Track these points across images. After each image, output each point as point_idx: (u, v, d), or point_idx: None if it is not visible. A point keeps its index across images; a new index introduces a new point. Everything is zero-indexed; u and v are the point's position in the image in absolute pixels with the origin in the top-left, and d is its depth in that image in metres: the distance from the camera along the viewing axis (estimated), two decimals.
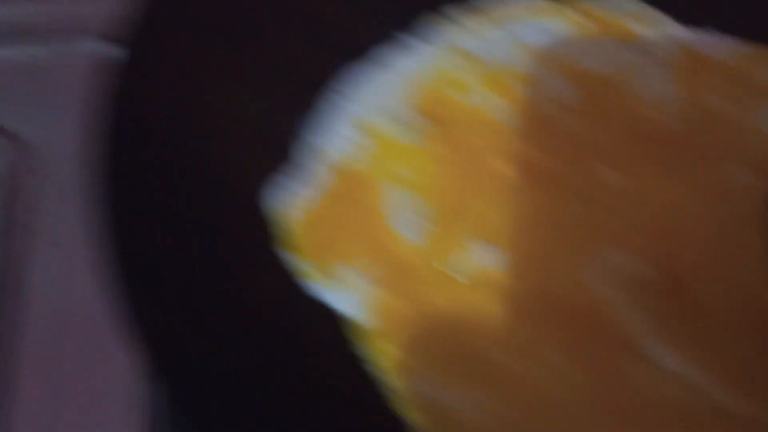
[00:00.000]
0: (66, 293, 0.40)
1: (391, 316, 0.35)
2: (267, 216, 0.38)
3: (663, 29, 0.44)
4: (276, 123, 0.40)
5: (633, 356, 0.33)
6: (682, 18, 0.45)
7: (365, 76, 0.43)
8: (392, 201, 0.37)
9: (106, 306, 0.31)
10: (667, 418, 0.32)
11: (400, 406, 0.33)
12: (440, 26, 0.45)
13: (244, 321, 0.34)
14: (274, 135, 0.40)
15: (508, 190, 0.38)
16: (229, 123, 0.39)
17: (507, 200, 0.38)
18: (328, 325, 0.35)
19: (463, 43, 0.44)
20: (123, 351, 0.37)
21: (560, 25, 0.44)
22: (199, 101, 0.38)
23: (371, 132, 0.40)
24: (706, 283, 0.35)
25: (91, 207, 0.33)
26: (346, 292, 0.35)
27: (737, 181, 0.38)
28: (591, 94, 0.42)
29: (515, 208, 0.38)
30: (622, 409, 0.32)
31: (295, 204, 0.37)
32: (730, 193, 0.37)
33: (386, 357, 0.34)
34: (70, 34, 0.48)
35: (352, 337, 0.35)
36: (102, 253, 0.32)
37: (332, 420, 0.33)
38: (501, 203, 0.38)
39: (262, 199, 0.38)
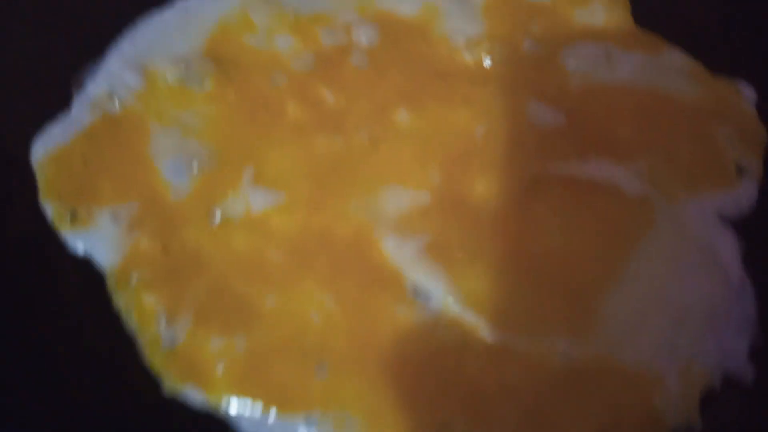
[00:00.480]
0: None
1: (147, 260, 0.32)
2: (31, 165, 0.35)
3: None
4: (53, 65, 0.38)
5: (395, 292, 0.31)
6: None
7: (157, 20, 0.40)
8: (163, 144, 0.35)
9: None
10: (418, 350, 0.30)
11: (153, 360, 0.30)
12: None
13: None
14: (49, 77, 0.37)
15: (295, 132, 0.36)
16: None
17: (292, 143, 0.35)
18: (83, 276, 0.32)
19: None
20: None
21: None
22: None
23: (149, 75, 0.37)
24: (486, 202, 0.33)
25: None
26: (101, 236, 0.32)
27: (532, 113, 0.36)
28: (395, 38, 0.40)
29: (300, 150, 0.35)
30: (374, 342, 0.30)
31: (54, 147, 0.34)
32: (522, 122, 0.36)
33: (140, 305, 0.31)
34: None
35: (107, 286, 0.32)
36: None
37: (84, 377, 0.30)
38: (286, 146, 0.35)
39: (28, 147, 0.35)
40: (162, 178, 0.33)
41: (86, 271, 0.32)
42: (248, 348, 0.29)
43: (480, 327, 0.30)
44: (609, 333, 0.30)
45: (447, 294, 0.31)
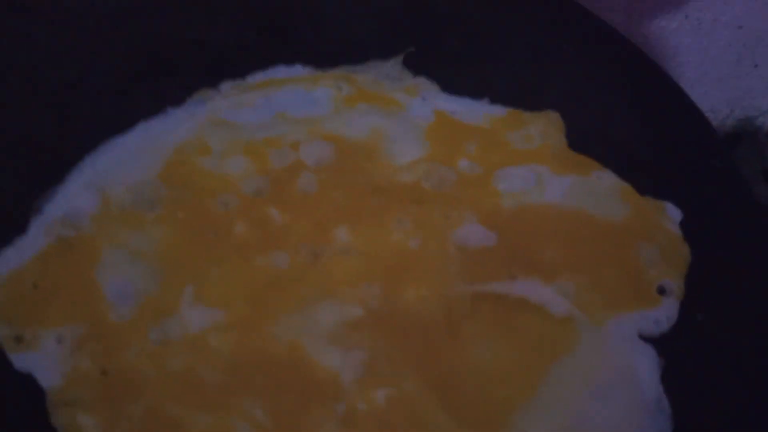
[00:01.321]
0: None
1: (87, 382, 0.34)
2: None
3: (423, 96, 0.46)
4: (12, 189, 0.41)
5: (325, 402, 0.33)
6: (444, 86, 0.47)
7: (117, 144, 0.43)
8: (110, 267, 0.37)
9: None
10: None
11: None
12: (205, 97, 0.46)
13: None
14: (8, 202, 0.40)
15: (239, 251, 0.39)
16: None
17: (234, 261, 0.38)
18: (26, 396, 0.34)
19: (224, 113, 0.45)
20: None
21: (323, 93, 0.46)
22: None
23: (104, 199, 0.40)
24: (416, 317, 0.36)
25: None
26: (44, 357, 0.34)
27: (465, 232, 0.39)
28: (341, 158, 0.43)
29: (241, 268, 0.38)
30: None
31: (7, 272, 0.37)
32: (454, 241, 0.39)
33: (76, 426, 0.33)
34: None
35: (48, 408, 0.34)
36: None
37: None
38: (227, 264, 0.38)
39: None
40: (106, 300, 0.36)
41: (30, 386, 0.34)
42: None
43: None
44: None
45: None
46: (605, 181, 0.42)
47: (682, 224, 0.41)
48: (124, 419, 0.33)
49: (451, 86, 0.48)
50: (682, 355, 0.36)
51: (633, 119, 0.46)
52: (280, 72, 0.47)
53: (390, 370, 0.34)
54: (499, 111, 0.46)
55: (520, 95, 0.47)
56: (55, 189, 0.41)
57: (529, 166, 0.42)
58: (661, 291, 0.38)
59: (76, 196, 0.40)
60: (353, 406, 0.34)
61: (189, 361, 0.34)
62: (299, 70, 0.47)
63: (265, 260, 0.38)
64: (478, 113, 0.46)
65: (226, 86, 0.46)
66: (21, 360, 0.35)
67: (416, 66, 0.48)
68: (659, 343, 0.37)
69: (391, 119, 0.45)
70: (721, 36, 0.71)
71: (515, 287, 0.38)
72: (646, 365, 0.35)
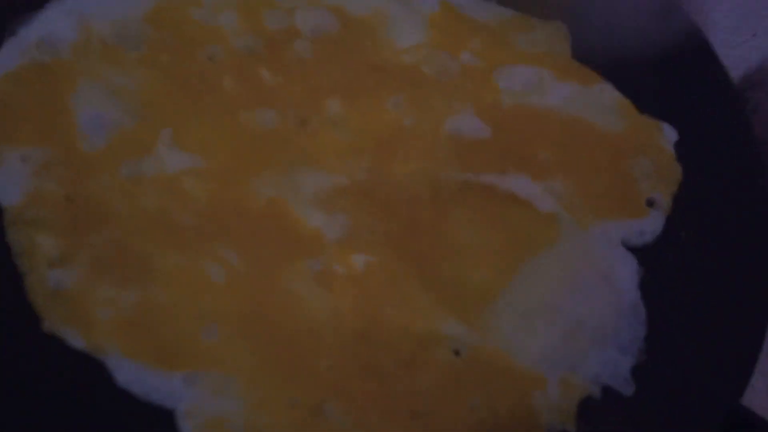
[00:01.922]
0: None
1: (49, 205, 0.32)
2: None
3: None
4: None
5: (300, 257, 0.32)
6: None
7: None
8: (86, 98, 0.36)
9: None
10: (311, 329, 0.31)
11: (35, 298, 0.30)
12: None
13: None
14: None
15: (225, 104, 0.37)
16: None
17: (219, 113, 0.37)
18: None
19: None
20: None
21: None
22: None
23: (85, 30, 0.38)
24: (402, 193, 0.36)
25: None
26: (6, 173, 0.33)
27: (460, 120, 0.39)
28: (341, 31, 0.42)
29: (225, 121, 0.37)
30: (272, 310, 0.31)
31: None
32: (449, 127, 0.38)
33: (32, 244, 0.31)
34: None
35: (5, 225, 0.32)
36: None
37: None
38: (211, 114, 0.36)
39: None
40: (79, 130, 0.34)
41: None
42: (139, 302, 0.30)
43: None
44: (500, 329, 0.32)
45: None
46: (606, 94, 0.42)
47: (677, 145, 0.40)
48: (86, 246, 0.31)
49: None
50: (662, 266, 0.36)
51: (642, 42, 0.45)
52: None
53: (371, 239, 0.34)
54: (506, 13, 0.45)
55: (528, 2, 0.46)
56: (34, 14, 0.39)
57: (533, 67, 0.42)
58: (650, 203, 0.38)
59: (55, 22, 0.38)
60: (330, 266, 0.33)
61: (162, 200, 0.33)
62: None
63: (250, 117, 0.37)
64: (485, 11, 0.45)
65: None
66: None
67: None
68: (641, 252, 0.36)
69: (395, 2, 0.44)
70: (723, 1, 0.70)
71: (505, 180, 0.37)
72: (626, 271, 0.36)
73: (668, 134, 0.41)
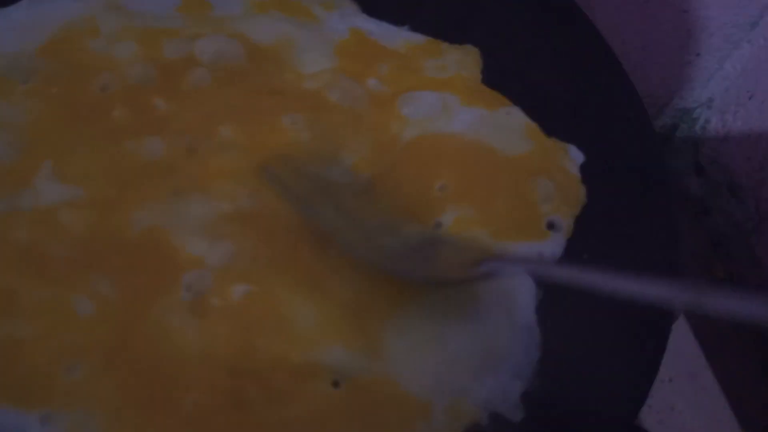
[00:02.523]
0: None
1: None
2: None
3: (341, 13, 0.45)
4: None
5: (176, 287, 0.31)
6: (365, 7, 0.46)
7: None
8: None
9: None
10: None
11: None
12: None
13: None
14: None
15: (113, 134, 0.37)
16: None
17: (105, 143, 0.36)
18: None
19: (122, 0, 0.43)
20: None
21: None
22: None
23: None
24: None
25: None
26: None
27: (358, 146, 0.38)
28: (246, 59, 0.42)
29: (110, 151, 0.36)
30: (139, 344, 0.30)
31: None
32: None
33: None
34: None
35: None
36: None
37: None
38: (96, 144, 0.36)
39: None
40: None
41: None
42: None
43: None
44: (388, 355, 0.31)
45: None
46: (513, 118, 0.42)
47: (583, 167, 0.40)
48: None
49: (372, 9, 0.47)
50: (560, 290, 0.35)
51: (552, 66, 0.46)
52: None
53: (253, 266, 0.33)
54: (418, 39, 0.45)
55: (442, 28, 0.46)
56: None
57: (439, 93, 0.42)
58: (550, 226, 0.37)
59: None
60: (207, 295, 0.32)
61: (34, 233, 0.33)
62: None
63: (136, 145, 0.36)
64: (395, 37, 0.45)
65: None
66: None
67: None
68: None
69: (303, 30, 0.44)
70: (666, 19, 0.71)
71: None
72: (524, 294, 0.35)
73: (575, 156, 0.41)
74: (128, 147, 0.36)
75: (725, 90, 0.73)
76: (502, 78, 0.45)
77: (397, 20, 0.46)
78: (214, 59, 0.41)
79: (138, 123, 0.37)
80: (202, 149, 0.37)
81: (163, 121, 0.37)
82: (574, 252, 0.37)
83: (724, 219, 0.73)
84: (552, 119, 0.43)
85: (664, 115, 0.79)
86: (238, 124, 0.38)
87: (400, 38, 0.45)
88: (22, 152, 0.35)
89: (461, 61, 0.45)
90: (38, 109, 0.37)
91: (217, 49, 0.41)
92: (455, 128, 0.41)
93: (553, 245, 0.37)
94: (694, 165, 0.77)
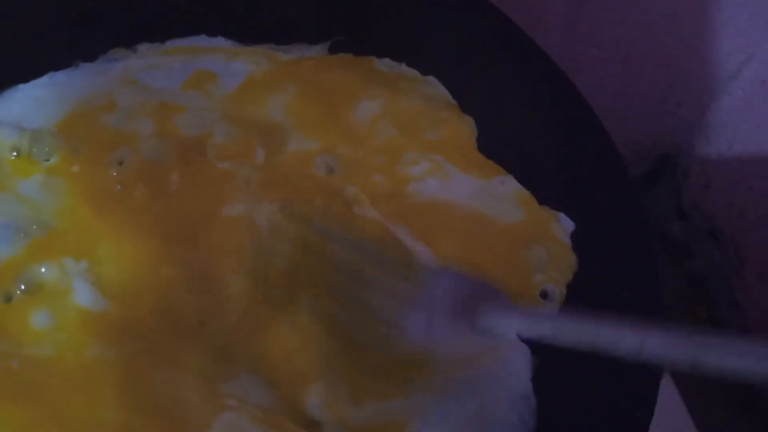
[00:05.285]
0: None
1: None
2: None
3: None
4: None
5: None
6: None
7: (21, 91, 0.43)
8: None
9: None
10: None
11: None
12: (120, 56, 0.46)
13: None
14: None
15: (129, 213, 0.39)
16: None
17: (121, 221, 0.38)
18: None
19: (137, 74, 0.45)
20: None
21: (241, 67, 0.47)
22: None
23: None
24: None
25: None
26: None
27: None
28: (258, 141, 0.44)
29: (127, 230, 0.38)
30: None
31: None
32: None
33: None
34: None
35: None
36: None
37: None
38: (113, 223, 0.38)
39: None
40: None
41: None
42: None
43: None
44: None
45: None
46: (507, 186, 0.44)
47: (574, 235, 0.43)
48: None
49: None
50: (555, 357, 0.38)
51: (545, 135, 0.48)
52: (202, 41, 0.48)
53: None
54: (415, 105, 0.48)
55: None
56: None
57: (436, 157, 0.44)
58: (544, 295, 0.40)
59: None
60: None
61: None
62: (221, 42, 0.48)
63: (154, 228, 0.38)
64: None
65: (144, 48, 0.46)
66: None
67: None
68: (535, 344, 0.38)
69: None
70: (648, 72, 0.74)
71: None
72: (519, 362, 0.37)
73: (566, 224, 0.43)
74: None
75: (706, 139, 0.76)
76: (497, 147, 0.47)
77: None
78: (227, 139, 0.43)
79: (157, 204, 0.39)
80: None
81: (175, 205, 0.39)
82: None
83: (705, 262, 0.75)
84: (542, 187, 0.45)
85: (647, 161, 0.81)
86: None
87: None
88: (51, 234, 0.37)
89: (458, 129, 0.47)
90: (62, 189, 0.39)
91: (229, 131, 0.43)
92: (452, 195, 0.44)
93: None
94: (677, 209, 0.80)
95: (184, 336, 0.35)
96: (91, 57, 0.46)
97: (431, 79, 0.49)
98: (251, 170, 0.42)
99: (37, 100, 0.43)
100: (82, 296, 0.35)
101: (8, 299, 0.35)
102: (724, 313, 0.72)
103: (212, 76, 0.47)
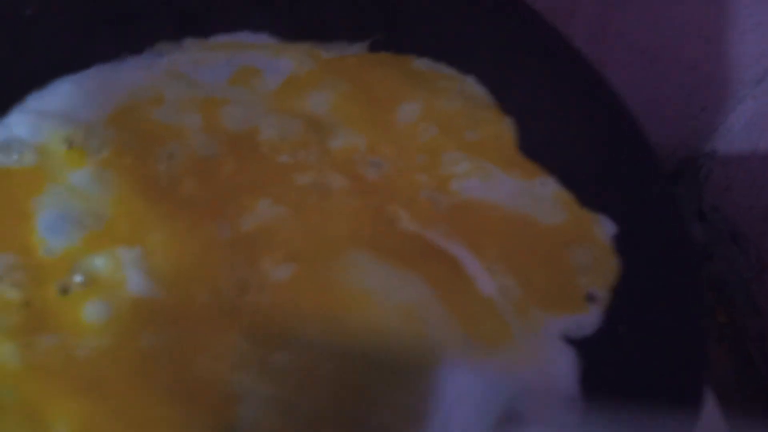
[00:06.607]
0: None
1: (10, 312, 0.34)
2: None
3: None
4: None
5: None
6: None
7: (69, 83, 0.43)
8: (49, 201, 0.37)
9: None
10: None
11: None
12: (165, 50, 0.46)
13: None
14: None
15: (180, 204, 0.39)
16: None
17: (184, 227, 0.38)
18: None
19: (183, 68, 0.45)
20: None
21: (287, 63, 0.47)
22: None
23: (49, 135, 0.40)
24: None
25: None
26: None
27: None
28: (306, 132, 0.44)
29: (178, 220, 0.38)
30: None
31: None
32: None
33: None
34: None
35: None
36: None
37: None
38: (177, 230, 0.38)
39: None
40: (37, 235, 0.36)
41: None
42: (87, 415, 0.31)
43: None
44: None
45: None
46: (548, 187, 0.44)
47: (616, 238, 0.43)
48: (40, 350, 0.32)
49: None
50: (601, 360, 0.38)
51: (584, 136, 0.48)
52: (245, 37, 0.48)
53: None
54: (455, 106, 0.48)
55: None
56: None
57: (478, 159, 0.44)
58: (589, 298, 0.40)
59: (18, 125, 0.40)
60: None
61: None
62: (264, 38, 0.48)
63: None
64: None
65: (189, 42, 0.46)
66: None
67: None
68: (580, 346, 0.38)
69: None
70: (674, 75, 0.74)
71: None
72: (565, 365, 0.37)
73: (607, 227, 0.43)
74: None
75: (729, 143, 0.76)
76: (536, 147, 0.47)
77: None
78: (278, 135, 0.43)
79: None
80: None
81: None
82: (610, 322, 0.40)
83: (726, 266, 0.75)
84: (582, 189, 0.45)
85: (669, 163, 0.81)
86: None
87: None
88: (106, 226, 0.37)
89: (497, 130, 0.47)
90: (113, 182, 0.39)
91: (280, 125, 0.43)
92: (494, 195, 0.44)
93: (592, 317, 0.39)
94: (698, 212, 0.79)
95: (228, 317, 0.35)
96: (137, 50, 0.45)
97: (470, 78, 0.49)
98: (301, 164, 0.41)
99: (86, 92, 0.43)
100: (136, 284, 0.35)
101: (65, 291, 0.34)
102: (744, 317, 0.72)
103: (257, 72, 0.46)
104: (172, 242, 0.37)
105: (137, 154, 0.40)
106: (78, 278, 0.35)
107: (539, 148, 0.47)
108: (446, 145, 0.46)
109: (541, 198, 0.44)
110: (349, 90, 0.47)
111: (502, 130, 0.47)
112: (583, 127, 0.48)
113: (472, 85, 0.49)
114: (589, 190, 0.45)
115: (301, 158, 0.42)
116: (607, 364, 0.38)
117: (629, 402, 0.36)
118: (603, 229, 0.43)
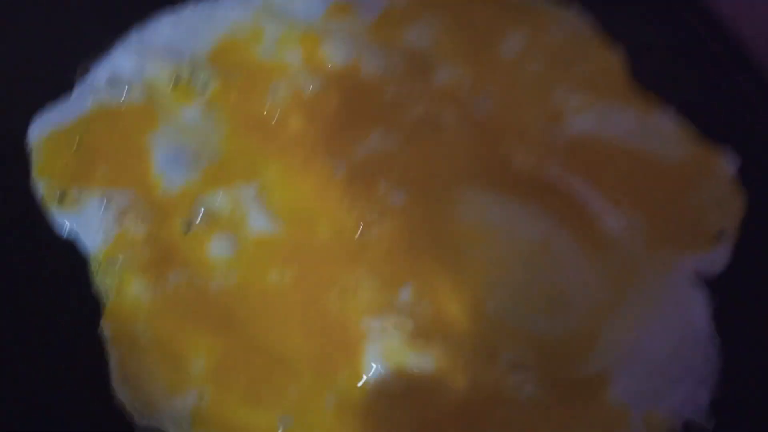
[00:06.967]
0: None
1: (134, 247, 0.33)
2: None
3: None
4: (60, 50, 0.39)
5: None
6: None
7: (169, 19, 0.42)
8: (162, 139, 0.36)
9: None
10: None
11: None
12: None
13: None
14: (55, 61, 0.39)
15: (291, 139, 0.38)
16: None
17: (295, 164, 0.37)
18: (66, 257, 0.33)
19: (278, 4, 0.44)
20: None
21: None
22: None
23: (154, 71, 0.39)
24: None
25: None
26: (88, 218, 0.34)
27: None
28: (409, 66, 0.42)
29: (292, 155, 0.37)
30: None
31: (52, 129, 0.36)
32: None
33: (122, 288, 0.32)
34: None
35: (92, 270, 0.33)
36: None
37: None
38: (288, 167, 0.37)
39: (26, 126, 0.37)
40: (156, 170, 0.35)
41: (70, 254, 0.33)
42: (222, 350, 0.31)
43: None
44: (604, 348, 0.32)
45: None
46: (667, 120, 0.42)
47: (740, 172, 0.40)
48: (169, 287, 0.32)
49: None
50: (733, 297, 0.36)
51: (699, 65, 0.45)
52: None
53: None
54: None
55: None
56: (104, 55, 0.40)
57: (590, 93, 0.42)
58: (718, 235, 0.38)
59: (124, 61, 0.39)
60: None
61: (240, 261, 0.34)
62: None
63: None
64: None
65: None
66: (64, 219, 0.34)
67: None
68: (712, 283, 0.36)
69: None
70: None
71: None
72: (699, 304, 0.35)
73: (731, 161, 0.41)
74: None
75: None
76: (653, 79, 0.44)
77: None
78: (381, 69, 0.41)
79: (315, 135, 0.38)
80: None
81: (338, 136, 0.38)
82: (740, 258, 0.38)
83: None
84: (702, 121, 0.43)
85: None
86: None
87: None
88: (221, 164, 0.36)
89: (607, 61, 0.45)
90: (222, 118, 0.38)
91: (382, 59, 0.41)
92: (611, 132, 0.41)
93: (722, 253, 0.37)
94: None
95: (350, 252, 0.34)
96: None
97: (574, 9, 0.46)
98: (408, 98, 0.40)
99: (186, 27, 0.42)
100: (257, 220, 0.34)
101: (188, 228, 0.33)
102: None
103: (348, 7, 0.45)
104: (288, 177, 0.35)
105: (242, 90, 0.39)
106: (200, 214, 0.34)
107: (653, 78, 0.44)
108: (554, 80, 0.43)
109: (661, 131, 0.41)
110: (450, 24, 0.45)
111: (612, 61, 0.44)
112: (696, 54, 0.45)
113: (576, 16, 0.47)
114: (709, 121, 0.42)
115: (406, 92, 0.40)
116: (741, 299, 0.36)
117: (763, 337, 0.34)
118: (727, 162, 0.41)
